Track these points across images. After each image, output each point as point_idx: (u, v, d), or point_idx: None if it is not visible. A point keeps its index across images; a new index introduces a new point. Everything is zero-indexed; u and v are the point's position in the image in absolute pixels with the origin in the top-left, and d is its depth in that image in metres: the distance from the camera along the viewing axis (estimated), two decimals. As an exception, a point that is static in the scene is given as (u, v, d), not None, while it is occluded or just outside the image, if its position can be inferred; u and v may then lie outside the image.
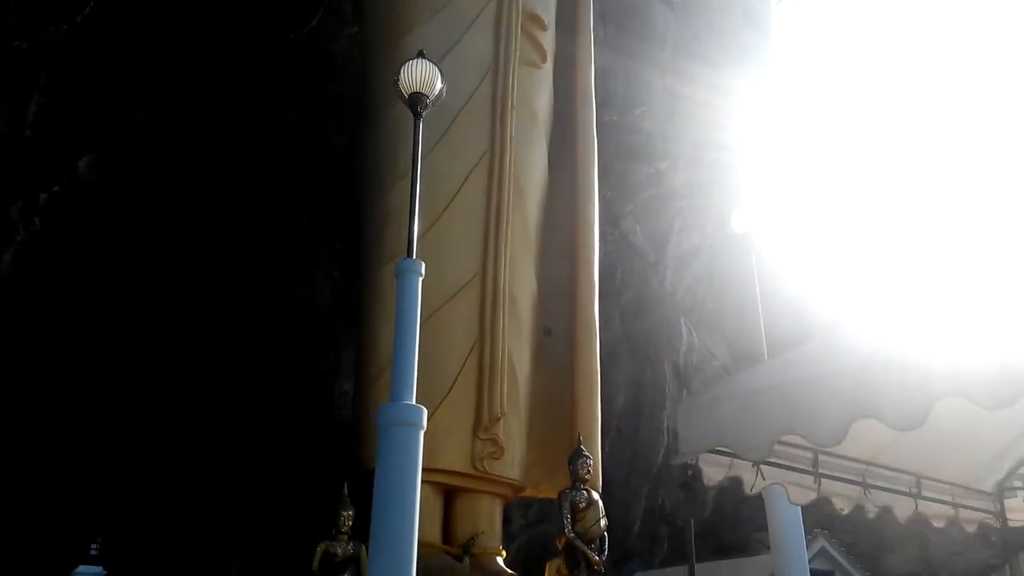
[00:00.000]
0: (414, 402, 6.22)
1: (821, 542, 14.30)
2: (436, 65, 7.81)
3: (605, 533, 8.30)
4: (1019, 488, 4.71)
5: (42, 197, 10.50)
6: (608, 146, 14.04)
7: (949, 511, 4.54)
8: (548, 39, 11.56)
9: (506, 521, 10.81)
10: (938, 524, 4.54)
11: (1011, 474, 4.69)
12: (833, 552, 14.58)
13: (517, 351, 9.76)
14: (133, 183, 11.07)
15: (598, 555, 8.09)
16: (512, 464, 9.37)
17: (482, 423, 9.12)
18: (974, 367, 2.57)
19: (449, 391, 8.99)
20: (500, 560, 9.29)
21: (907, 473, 4.29)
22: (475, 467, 9.01)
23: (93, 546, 9.88)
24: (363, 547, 7.46)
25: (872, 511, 4.16)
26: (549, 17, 11.59)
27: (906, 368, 2.71)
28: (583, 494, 8.27)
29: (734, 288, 14.37)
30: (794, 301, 16.22)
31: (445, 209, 9.75)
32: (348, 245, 11.23)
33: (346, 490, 8.09)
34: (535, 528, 13.21)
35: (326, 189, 12.25)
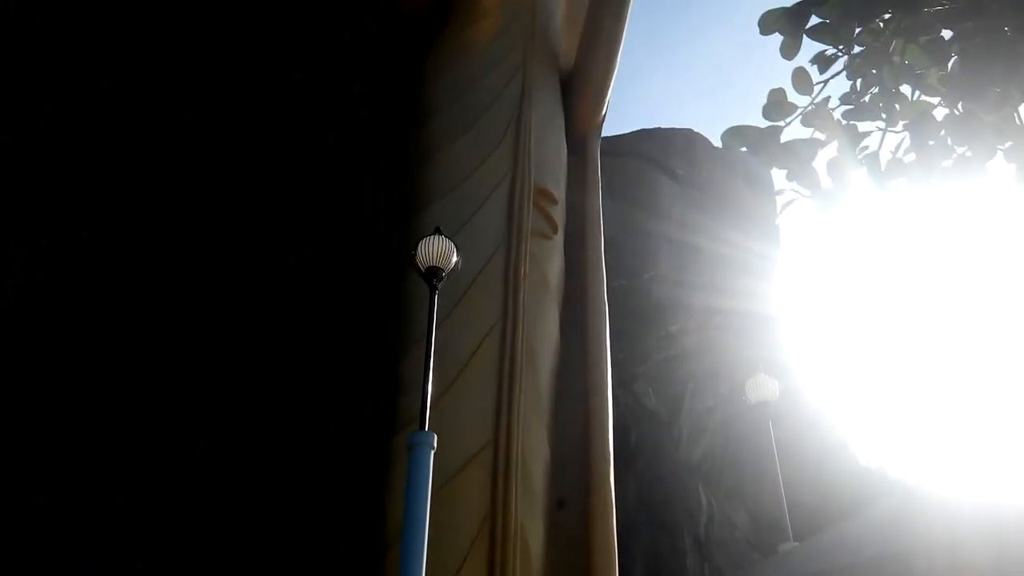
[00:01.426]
0: (424, 584, 5.97)
1: None
2: (452, 240, 8.15)
3: None
4: None
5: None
6: (618, 310, 14.28)
7: None
8: (559, 212, 12.07)
9: None
10: None
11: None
12: None
13: (530, 524, 9.44)
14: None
15: None
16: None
17: (494, 603, 8.68)
18: None
19: (459, 570, 8.62)
20: None
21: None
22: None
23: None
24: None
25: None
26: (560, 192, 12.15)
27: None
28: None
29: (752, 453, 14.07)
30: (815, 464, 15.79)
31: (457, 377, 9.78)
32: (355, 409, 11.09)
33: None
34: None
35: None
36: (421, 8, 11.63)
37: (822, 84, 2.94)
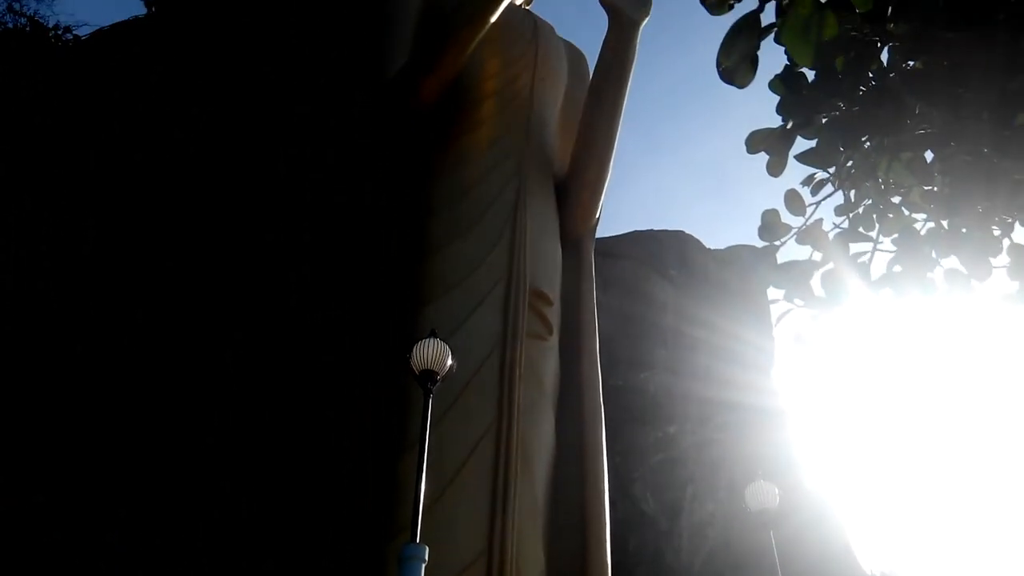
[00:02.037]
0: None
1: None
2: (447, 344, 8.14)
3: None
4: None
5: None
6: (615, 410, 14.15)
7: None
8: (554, 313, 12.10)
9: None
10: None
11: None
12: None
13: (525, 641, 9.04)
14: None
15: None
16: None
17: None
18: None
19: None
20: None
21: None
22: None
23: None
24: None
25: None
26: (555, 294, 12.22)
27: None
28: None
29: (753, 558, 13.62)
30: (818, 568, 15.28)
31: (451, 481, 9.57)
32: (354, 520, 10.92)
33: None
34: None
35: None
36: (429, 105, 12.06)
37: (814, 205, 3.02)
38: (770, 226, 3.01)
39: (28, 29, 12.58)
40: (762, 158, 3.05)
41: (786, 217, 3.06)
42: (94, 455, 10.20)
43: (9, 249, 11.05)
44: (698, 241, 20.98)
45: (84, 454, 10.18)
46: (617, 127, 12.85)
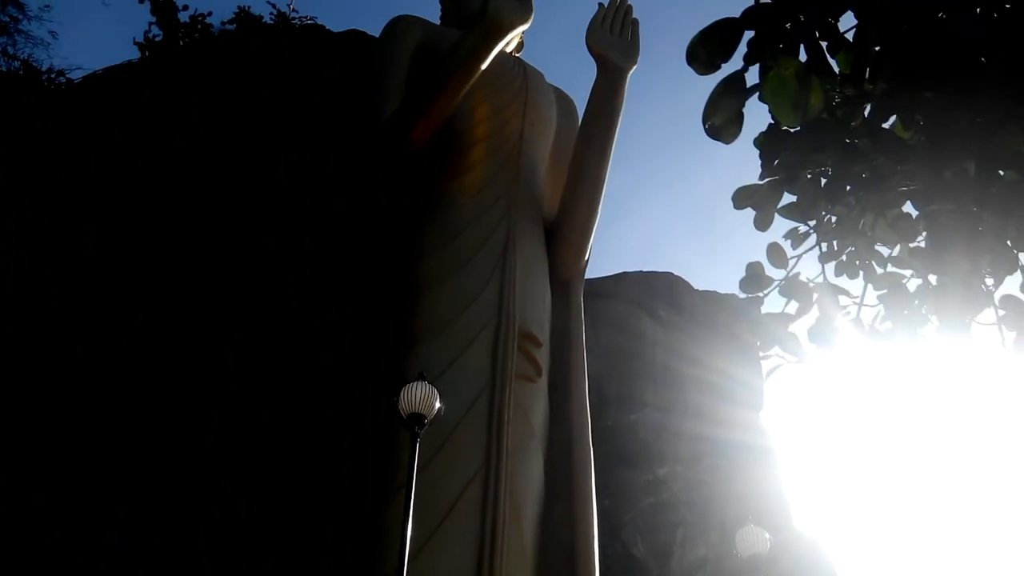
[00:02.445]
0: None
1: None
2: (435, 386, 8.11)
3: None
4: None
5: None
6: (605, 452, 14.03)
7: None
8: (543, 355, 12.07)
9: None
10: None
11: None
12: None
13: None
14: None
15: None
16: None
17: None
18: None
19: None
20: None
21: None
22: None
23: None
24: None
25: None
26: (544, 335, 12.20)
27: None
28: None
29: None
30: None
31: (438, 526, 9.44)
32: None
33: None
34: None
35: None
36: (420, 147, 12.19)
37: (796, 258, 3.05)
38: (754, 278, 3.04)
39: (21, 73, 12.71)
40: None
41: (769, 269, 3.10)
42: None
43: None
44: (687, 283, 21.07)
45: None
46: (606, 171, 12.99)
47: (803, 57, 2.56)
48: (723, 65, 2.62)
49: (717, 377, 19.32)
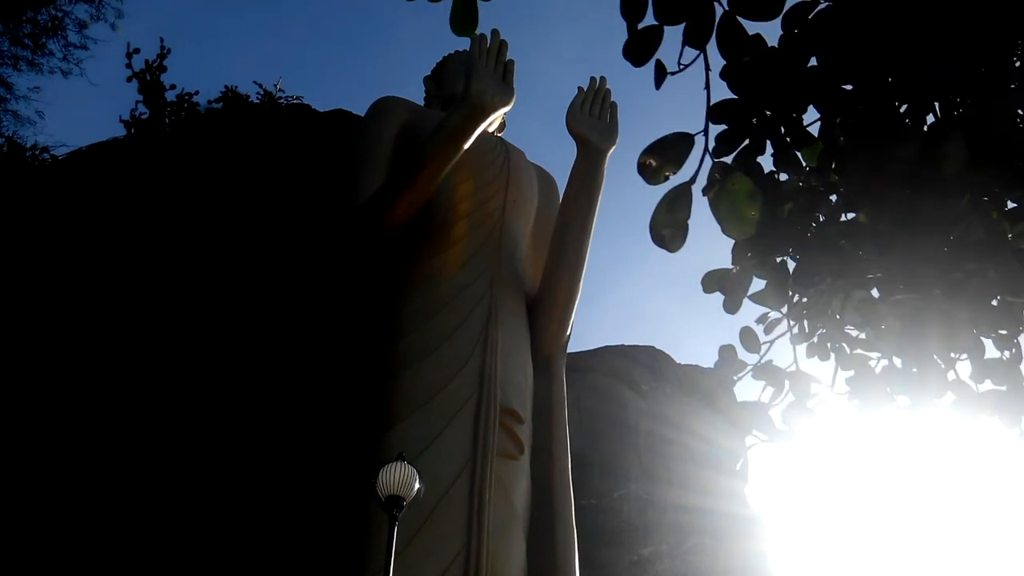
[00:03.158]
0: None
1: None
2: (414, 467, 7.97)
3: None
4: None
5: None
6: (588, 530, 13.77)
7: None
8: (525, 431, 11.93)
9: None
10: None
11: None
12: None
13: None
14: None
15: None
16: None
17: None
18: None
19: None
20: None
21: None
22: None
23: None
24: None
25: None
26: (526, 411, 12.09)
27: None
28: None
29: None
30: None
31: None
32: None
33: None
34: None
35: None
36: (401, 224, 12.32)
37: (768, 343, 3.09)
38: (727, 360, 3.06)
39: (5, 149, 12.84)
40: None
41: (742, 353, 3.13)
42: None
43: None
44: (668, 356, 21.11)
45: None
46: (587, 248, 13.14)
47: (769, 151, 2.67)
48: (670, 176, 2.71)
49: (701, 446, 19.18)
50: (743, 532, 18.76)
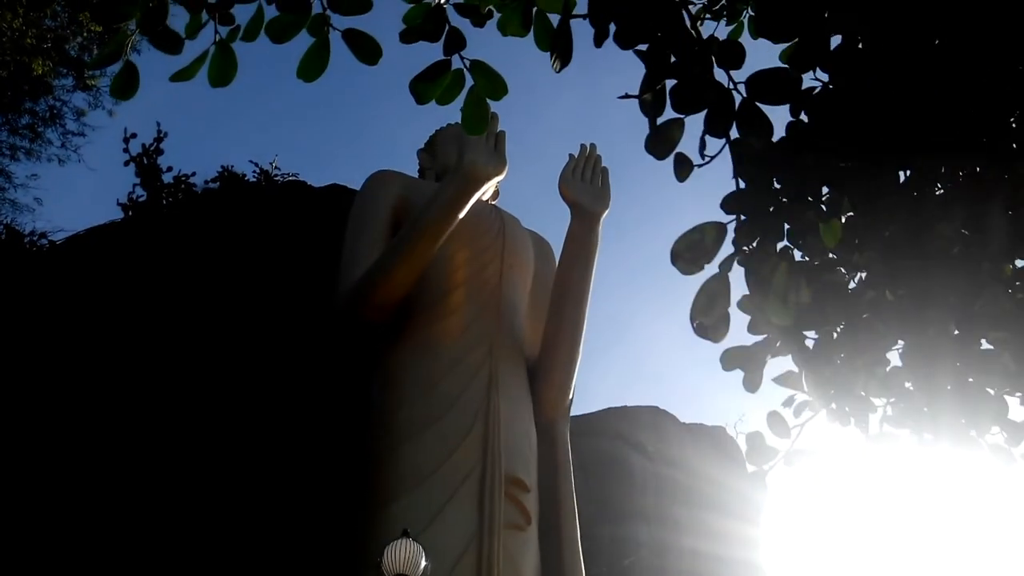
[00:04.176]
0: None
1: None
2: (420, 543, 7.80)
3: None
4: None
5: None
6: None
7: None
8: (531, 500, 11.72)
9: None
10: None
11: None
12: None
13: None
14: None
15: None
16: None
17: None
18: None
19: None
20: None
21: None
22: None
23: None
24: None
25: None
26: (531, 479, 11.89)
27: None
28: None
29: None
30: None
31: None
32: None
33: None
34: None
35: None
36: (387, 313, 12.24)
37: (799, 428, 3.04)
38: (757, 450, 3.00)
39: (3, 237, 12.92)
40: (740, 335, 3.09)
41: (770, 438, 3.06)
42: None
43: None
44: (672, 416, 20.92)
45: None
46: (585, 311, 13.15)
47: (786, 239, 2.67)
48: (706, 265, 2.70)
49: (712, 497, 18.89)
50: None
